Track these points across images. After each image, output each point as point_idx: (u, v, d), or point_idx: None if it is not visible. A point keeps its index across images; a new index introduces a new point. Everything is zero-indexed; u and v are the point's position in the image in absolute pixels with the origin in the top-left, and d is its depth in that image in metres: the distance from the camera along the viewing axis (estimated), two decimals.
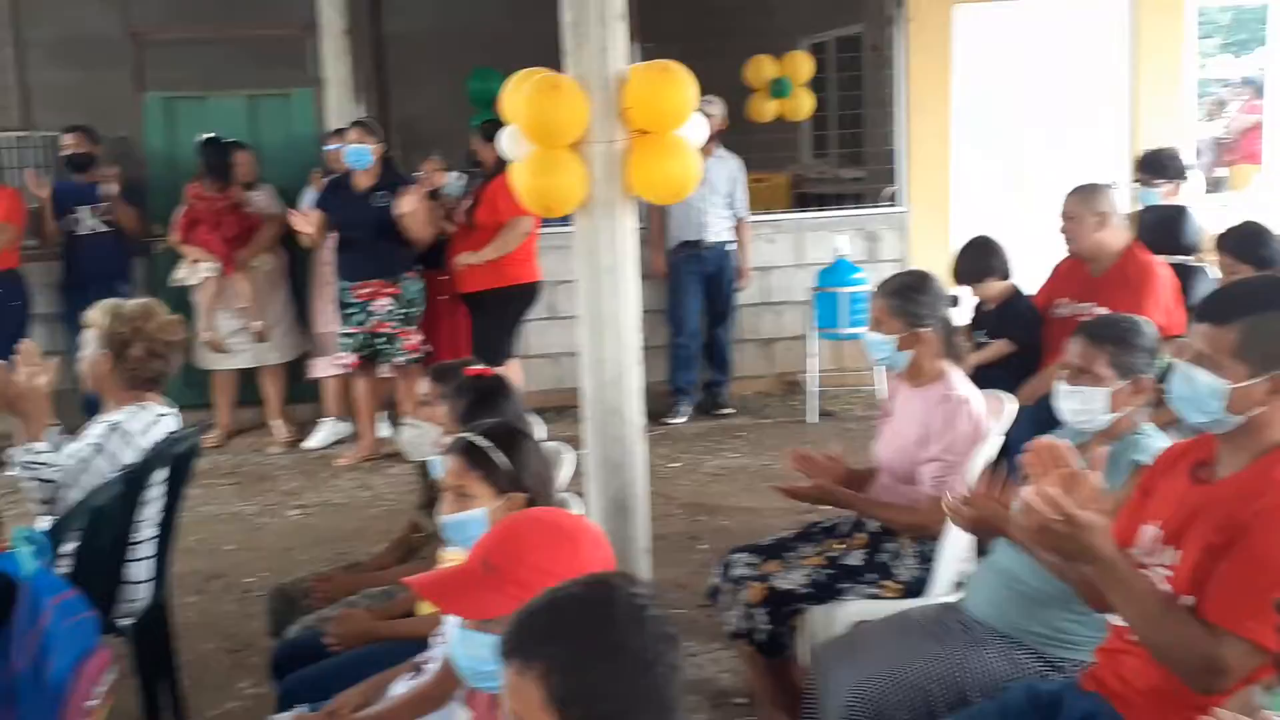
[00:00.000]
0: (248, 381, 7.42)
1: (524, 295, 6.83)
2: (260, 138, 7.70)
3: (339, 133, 7.04)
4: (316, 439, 7.29)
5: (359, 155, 6.51)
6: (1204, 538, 2.24)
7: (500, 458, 2.58)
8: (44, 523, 3.34)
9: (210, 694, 4.16)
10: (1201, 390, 2.28)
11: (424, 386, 3.51)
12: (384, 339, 6.66)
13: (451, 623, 2.08)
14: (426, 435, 3.40)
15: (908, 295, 3.57)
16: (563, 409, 6.80)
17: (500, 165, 5.40)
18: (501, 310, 6.77)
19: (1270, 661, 2.05)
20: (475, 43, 9.39)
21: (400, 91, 9.51)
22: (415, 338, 6.69)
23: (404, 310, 6.66)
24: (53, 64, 9.94)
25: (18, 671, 2.59)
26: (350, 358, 6.73)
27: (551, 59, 3.75)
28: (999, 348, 5.04)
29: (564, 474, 3.37)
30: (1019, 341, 5.01)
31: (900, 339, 3.55)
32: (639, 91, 3.57)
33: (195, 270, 7.07)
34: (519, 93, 3.60)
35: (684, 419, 7.58)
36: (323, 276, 7.18)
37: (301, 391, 7.54)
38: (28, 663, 2.59)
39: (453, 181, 6.97)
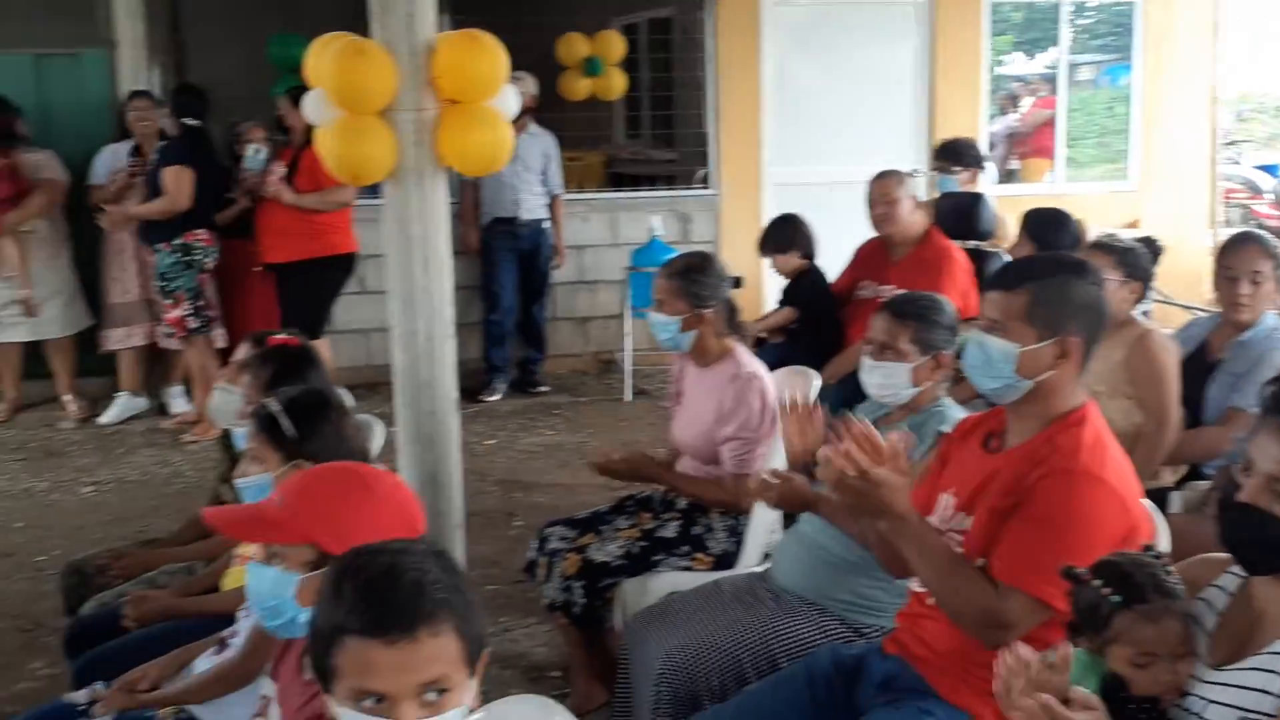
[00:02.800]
0: (38, 355, 7.04)
1: (341, 266, 6.56)
2: (48, 100, 7.30)
3: (143, 96, 6.83)
4: (110, 414, 6.98)
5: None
6: (991, 503, 2.35)
7: (287, 424, 2.52)
8: None
9: (0, 675, 3.99)
10: (994, 355, 2.39)
11: (243, 351, 3.39)
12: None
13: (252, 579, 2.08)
14: (233, 402, 3.29)
15: (690, 276, 3.62)
16: (374, 386, 6.67)
17: (311, 132, 5.23)
18: (316, 282, 6.49)
19: (1056, 620, 2.16)
20: (275, 4, 9.10)
21: (198, 55, 9.12)
22: (176, 312, 6.42)
23: (160, 283, 6.45)
24: None
25: None
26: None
27: (353, 23, 3.66)
28: (783, 314, 5.17)
29: (375, 446, 3.31)
30: (803, 310, 5.14)
31: (684, 319, 3.60)
32: (448, 60, 3.51)
33: None
34: (324, 56, 3.49)
35: (499, 396, 7.52)
36: (117, 244, 6.85)
37: (96, 364, 7.17)
38: None
39: (251, 156, 6.55)
